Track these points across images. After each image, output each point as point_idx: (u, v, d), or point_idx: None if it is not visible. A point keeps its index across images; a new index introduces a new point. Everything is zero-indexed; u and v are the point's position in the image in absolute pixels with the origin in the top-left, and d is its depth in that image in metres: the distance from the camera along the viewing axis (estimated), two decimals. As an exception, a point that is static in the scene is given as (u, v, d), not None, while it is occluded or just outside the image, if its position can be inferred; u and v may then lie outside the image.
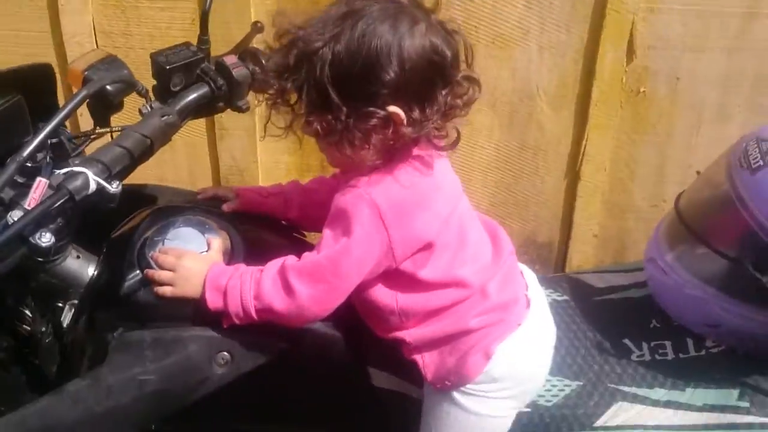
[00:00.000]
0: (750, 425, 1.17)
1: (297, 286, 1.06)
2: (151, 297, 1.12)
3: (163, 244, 1.15)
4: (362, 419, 1.25)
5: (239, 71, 1.29)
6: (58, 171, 1.07)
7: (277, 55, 1.06)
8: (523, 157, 2.24)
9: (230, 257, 1.17)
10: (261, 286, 1.08)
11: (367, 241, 1.05)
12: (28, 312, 1.23)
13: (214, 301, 1.09)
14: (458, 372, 1.13)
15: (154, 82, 1.30)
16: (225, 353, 1.13)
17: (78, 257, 1.19)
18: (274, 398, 1.19)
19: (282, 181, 2.39)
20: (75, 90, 1.26)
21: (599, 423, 1.21)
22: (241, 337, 1.13)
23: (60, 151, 1.17)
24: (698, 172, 1.34)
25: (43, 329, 1.23)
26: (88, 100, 1.22)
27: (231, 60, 1.30)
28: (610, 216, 2.30)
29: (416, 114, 1.03)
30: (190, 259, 1.12)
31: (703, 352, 1.26)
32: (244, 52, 1.33)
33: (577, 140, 2.18)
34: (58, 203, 1.04)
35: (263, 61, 1.31)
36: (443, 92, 1.05)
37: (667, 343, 1.28)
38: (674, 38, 2.02)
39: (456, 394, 1.14)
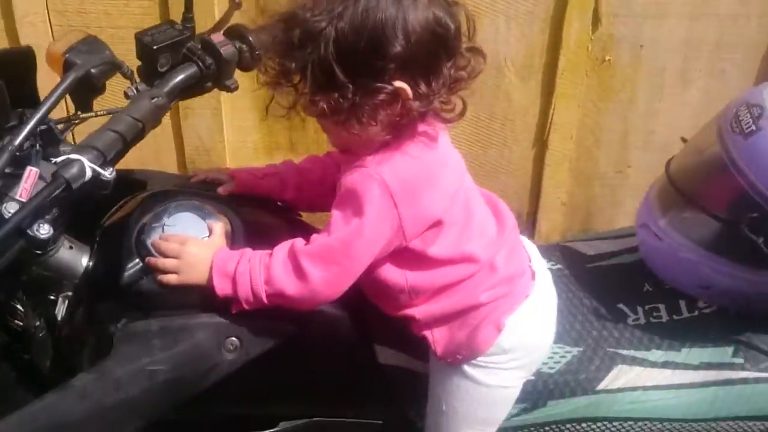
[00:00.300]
0: (745, 380, 1.22)
1: (309, 270, 1.05)
2: (155, 285, 1.09)
3: (162, 231, 1.12)
4: (369, 396, 1.25)
5: (227, 49, 1.25)
6: (53, 159, 1.03)
7: (279, 34, 1.03)
8: (491, 127, 2.25)
9: (231, 241, 1.14)
10: (271, 271, 1.06)
11: (378, 221, 1.04)
12: (20, 307, 1.18)
13: (222, 288, 1.07)
14: (470, 345, 1.14)
15: (137, 63, 1.26)
16: (234, 339, 1.11)
17: (71, 248, 1.14)
18: (283, 380, 1.18)
19: (249, 161, 2.34)
20: (56, 74, 1.22)
21: (601, 386, 1.24)
22: (249, 322, 1.11)
23: (48, 139, 1.12)
24: (683, 139, 1.37)
25: (37, 323, 1.18)
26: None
27: (218, 38, 1.26)
28: (577, 183, 2.34)
29: (422, 88, 1.02)
30: (194, 246, 1.09)
31: (696, 313, 1.30)
32: (229, 29, 1.29)
33: (544, 110, 2.21)
34: (56, 193, 1.01)
35: (250, 38, 1.28)
36: (447, 65, 1.04)
37: (661, 306, 1.32)
38: (638, 6, 2.06)
39: (466, 367, 1.16)
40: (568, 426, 1.26)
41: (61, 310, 1.21)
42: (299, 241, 1.08)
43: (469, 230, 1.13)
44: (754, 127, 1.15)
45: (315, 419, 1.24)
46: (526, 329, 1.16)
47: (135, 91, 1.22)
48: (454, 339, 1.15)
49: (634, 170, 2.31)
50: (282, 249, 1.08)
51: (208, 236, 1.12)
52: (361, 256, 1.06)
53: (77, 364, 1.17)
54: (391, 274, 1.12)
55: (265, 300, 1.07)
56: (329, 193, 1.28)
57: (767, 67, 2.12)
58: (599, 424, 1.25)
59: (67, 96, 1.19)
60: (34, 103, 1.24)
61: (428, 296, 1.14)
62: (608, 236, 1.49)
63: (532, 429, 1.26)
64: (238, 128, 2.23)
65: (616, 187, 2.35)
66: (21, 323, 1.19)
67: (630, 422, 1.24)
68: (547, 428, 1.26)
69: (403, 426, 1.29)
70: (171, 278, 1.07)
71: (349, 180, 1.06)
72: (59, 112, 1.24)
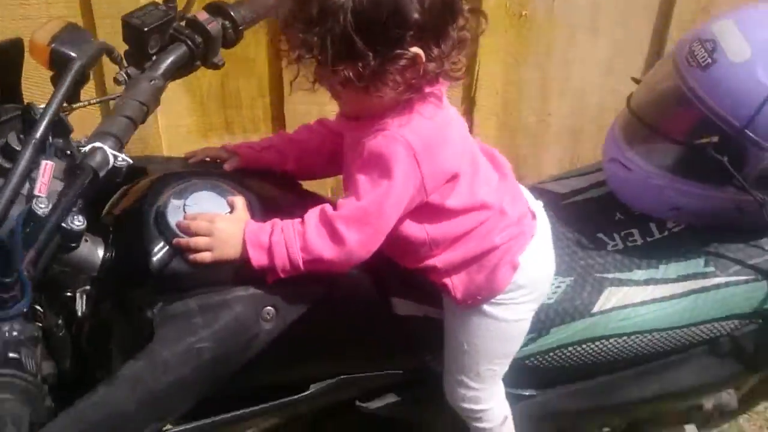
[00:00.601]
0: (717, 285, 1.38)
1: (345, 233, 1.09)
2: (185, 265, 1.10)
3: (184, 211, 1.12)
4: (391, 348, 1.32)
5: (213, 27, 1.25)
6: (82, 149, 1.01)
7: (296, 10, 1.05)
8: (421, 89, 2.33)
9: (251, 214, 1.16)
10: (307, 238, 1.09)
11: (405, 180, 1.09)
12: (38, 307, 1.14)
13: (258, 259, 1.09)
14: (489, 286, 1.22)
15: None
16: (269, 308, 1.14)
17: (86, 240, 1.12)
18: (313, 343, 1.22)
19: (184, 144, 2.30)
20: (41, 65, 1.18)
21: (596, 309, 1.37)
22: (282, 290, 1.14)
23: (58, 131, 1.08)
24: (635, 79, 1.50)
25: (59, 322, 1.16)
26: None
27: (203, 16, 1.25)
28: (504, 136, 2.47)
29: (434, 51, 1.08)
30: (223, 221, 1.10)
31: (666, 233, 1.45)
32: (210, 6, 1.29)
33: (470, 68, 2.31)
34: (86, 182, 0.99)
35: (232, 14, 1.29)
36: (453, 26, 1.11)
37: (635, 231, 1.46)
38: (549, -39, 2.19)
39: (486, 307, 1.24)
40: (570, 349, 1.38)
41: (80, 306, 1.18)
42: (328, 207, 1.12)
43: (477, 180, 1.21)
44: (709, 60, 1.29)
45: (342, 377, 1.29)
46: (536, 264, 1.26)
47: (125, 75, 1.21)
48: (473, 282, 1.23)
49: (554, 118, 2.46)
50: (313, 215, 1.12)
51: (231, 212, 1.14)
52: (391, 216, 1.11)
53: (101, 359, 1.16)
54: (412, 229, 1.18)
55: (302, 267, 1.10)
56: (327, 161, 1.32)
57: (663, 13, 2.31)
58: (597, 343, 1.37)
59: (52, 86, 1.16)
60: (18, 97, 1.20)
61: (447, 245, 1.21)
62: (575, 174, 1.61)
63: (538, 356, 1.37)
64: (170, 113, 2.19)
65: (537, 136, 2.50)
66: (41, 324, 1.15)
67: (624, 337, 1.37)
68: (552, 353, 1.37)
69: (422, 371, 1.36)
70: (205, 256, 1.08)
71: (373, 144, 1.10)
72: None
